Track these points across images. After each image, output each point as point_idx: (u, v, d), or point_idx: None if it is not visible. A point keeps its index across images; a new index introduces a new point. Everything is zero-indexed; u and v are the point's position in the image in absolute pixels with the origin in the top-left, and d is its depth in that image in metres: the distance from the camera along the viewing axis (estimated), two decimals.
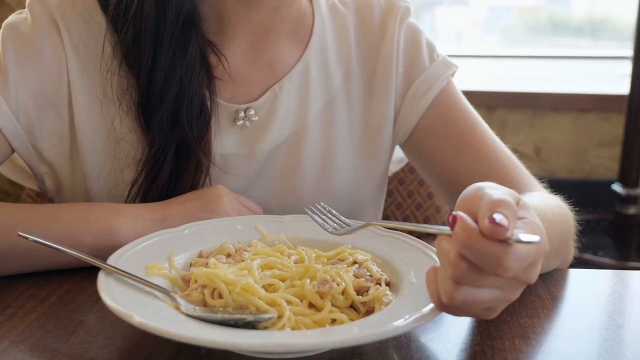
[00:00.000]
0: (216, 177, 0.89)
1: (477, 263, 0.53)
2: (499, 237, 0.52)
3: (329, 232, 0.70)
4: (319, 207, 0.73)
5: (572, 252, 0.86)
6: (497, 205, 0.53)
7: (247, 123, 0.89)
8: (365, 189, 0.96)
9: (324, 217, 0.72)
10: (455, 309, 0.57)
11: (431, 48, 0.95)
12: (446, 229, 0.56)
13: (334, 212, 0.72)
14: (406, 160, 1.13)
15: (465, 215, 0.54)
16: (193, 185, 0.86)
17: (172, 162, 0.84)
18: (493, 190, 0.56)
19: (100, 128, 0.87)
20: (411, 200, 1.24)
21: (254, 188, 0.91)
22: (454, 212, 0.54)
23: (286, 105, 0.90)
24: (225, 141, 0.89)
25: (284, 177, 0.91)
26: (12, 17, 0.86)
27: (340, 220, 0.71)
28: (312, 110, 0.91)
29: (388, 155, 0.97)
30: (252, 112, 0.89)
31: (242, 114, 0.89)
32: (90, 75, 0.86)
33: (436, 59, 0.95)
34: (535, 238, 0.53)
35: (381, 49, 0.93)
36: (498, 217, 0.52)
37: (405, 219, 1.25)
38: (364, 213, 0.98)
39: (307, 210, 0.73)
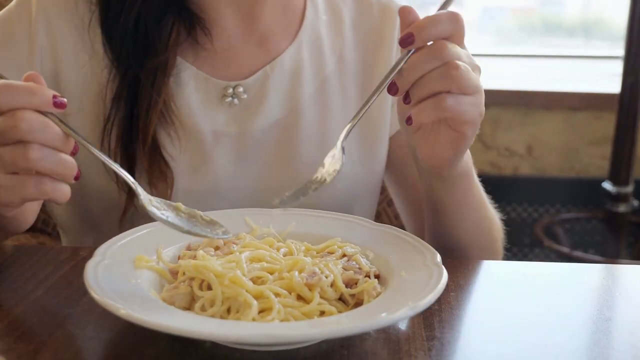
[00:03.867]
0: (208, 154, 0.89)
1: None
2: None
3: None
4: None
5: (498, 247, 0.90)
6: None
7: (236, 101, 0.90)
8: (363, 179, 0.95)
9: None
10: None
11: None
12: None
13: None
14: None
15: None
16: (146, 128, 0.84)
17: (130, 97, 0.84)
18: None
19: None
20: None
21: (248, 169, 0.91)
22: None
23: (277, 86, 0.91)
24: (214, 117, 0.89)
25: (279, 160, 0.91)
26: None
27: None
28: (305, 92, 0.92)
29: (385, 149, 0.97)
30: (241, 89, 0.90)
31: (231, 90, 0.89)
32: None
33: None
34: None
35: (381, 41, 0.95)
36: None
37: (397, 217, 1.25)
38: (359, 207, 0.97)
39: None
